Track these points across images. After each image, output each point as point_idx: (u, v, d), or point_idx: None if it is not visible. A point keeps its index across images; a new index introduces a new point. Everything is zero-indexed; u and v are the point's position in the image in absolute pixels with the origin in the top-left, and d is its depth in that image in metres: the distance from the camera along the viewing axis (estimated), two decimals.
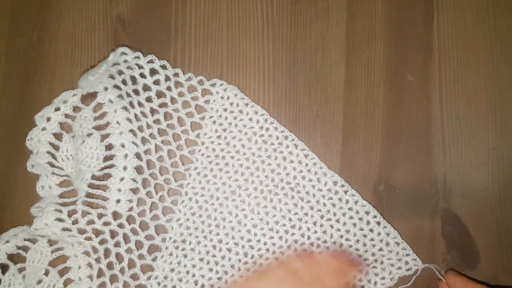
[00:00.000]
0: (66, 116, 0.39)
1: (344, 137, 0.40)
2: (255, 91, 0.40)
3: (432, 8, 0.40)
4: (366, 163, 0.39)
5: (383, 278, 0.37)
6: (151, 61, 0.39)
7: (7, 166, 0.40)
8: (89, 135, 0.38)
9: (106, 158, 0.38)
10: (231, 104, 0.39)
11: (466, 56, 0.40)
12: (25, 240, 0.37)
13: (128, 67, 0.39)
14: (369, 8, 0.41)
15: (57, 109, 0.39)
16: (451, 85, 0.40)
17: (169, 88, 0.39)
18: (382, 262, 0.37)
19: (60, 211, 0.37)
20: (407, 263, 0.37)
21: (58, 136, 0.39)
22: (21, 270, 0.37)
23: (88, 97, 0.39)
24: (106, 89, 0.38)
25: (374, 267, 0.37)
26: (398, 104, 0.40)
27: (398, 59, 0.40)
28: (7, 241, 0.37)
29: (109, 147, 0.38)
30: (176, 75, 0.39)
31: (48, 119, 0.39)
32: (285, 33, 0.40)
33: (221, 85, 0.39)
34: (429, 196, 0.39)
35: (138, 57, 0.39)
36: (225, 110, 0.39)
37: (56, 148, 0.39)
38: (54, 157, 0.39)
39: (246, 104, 0.39)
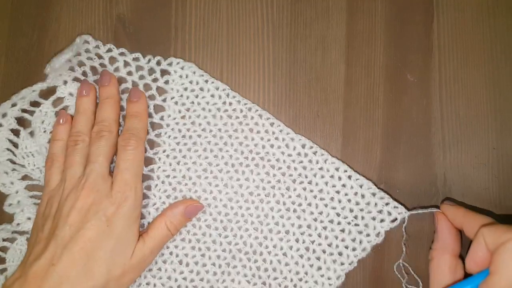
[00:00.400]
0: (24, 111, 0.39)
1: (344, 137, 0.40)
2: (255, 91, 0.40)
3: (432, 8, 0.40)
4: (366, 163, 0.39)
5: (368, 235, 0.36)
6: (109, 50, 0.39)
7: None
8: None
9: None
10: (191, 82, 0.39)
11: (466, 56, 0.40)
12: (3, 240, 0.38)
13: (89, 58, 0.39)
14: (369, 8, 0.41)
15: (14, 105, 0.38)
16: (451, 85, 0.40)
17: (130, 73, 0.39)
18: (363, 218, 0.37)
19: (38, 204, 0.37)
20: (389, 213, 0.36)
21: (16, 132, 0.39)
22: (2, 271, 0.38)
23: (48, 92, 0.39)
24: (65, 82, 0.38)
25: (356, 224, 0.37)
26: (398, 104, 0.40)
27: (398, 59, 0.40)
28: None
29: None
30: (136, 59, 0.40)
31: (4, 115, 0.38)
32: (285, 33, 0.40)
33: (178, 63, 0.39)
34: (429, 196, 0.39)
35: (98, 47, 0.39)
36: (186, 89, 0.39)
37: (15, 145, 0.39)
38: (14, 154, 0.39)
39: (206, 81, 0.39)
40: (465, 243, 0.38)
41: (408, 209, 0.36)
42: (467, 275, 0.33)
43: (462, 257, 0.34)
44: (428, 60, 0.40)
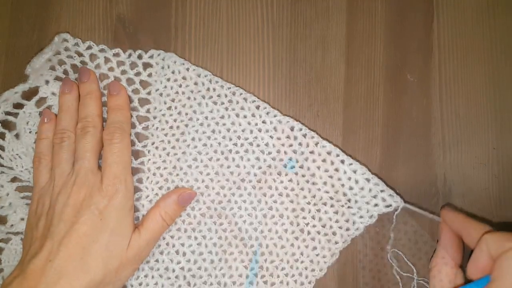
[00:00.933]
0: (7, 113, 0.39)
1: (344, 137, 0.40)
2: (255, 91, 0.40)
3: (432, 8, 0.40)
4: (366, 163, 0.39)
5: (361, 217, 0.36)
6: (89, 47, 0.39)
7: None
8: None
9: None
10: (173, 72, 0.39)
11: (466, 56, 0.40)
12: None
13: (69, 56, 0.39)
14: (369, 8, 0.41)
15: None
16: (451, 85, 0.40)
17: (111, 69, 0.39)
18: (356, 201, 0.36)
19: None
20: (384, 199, 0.36)
21: (1, 136, 0.39)
22: None
23: (31, 93, 0.39)
24: (47, 82, 0.39)
25: (349, 207, 0.37)
26: (398, 104, 0.40)
27: (398, 59, 0.40)
28: None
29: None
30: (116, 55, 0.40)
31: None
32: (285, 33, 0.40)
33: (159, 55, 0.39)
34: (429, 196, 0.39)
35: (77, 44, 0.39)
36: (169, 80, 0.39)
37: (2, 148, 0.39)
38: (1, 156, 0.39)
39: (187, 69, 0.39)
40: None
41: (405, 201, 0.36)
42: (467, 281, 0.33)
43: (461, 266, 0.34)
44: (428, 60, 0.40)
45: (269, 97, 0.40)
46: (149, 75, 0.39)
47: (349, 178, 0.36)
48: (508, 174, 0.39)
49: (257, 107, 0.38)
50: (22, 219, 0.38)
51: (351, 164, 0.37)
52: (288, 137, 0.38)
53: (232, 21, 0.41)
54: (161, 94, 0.39)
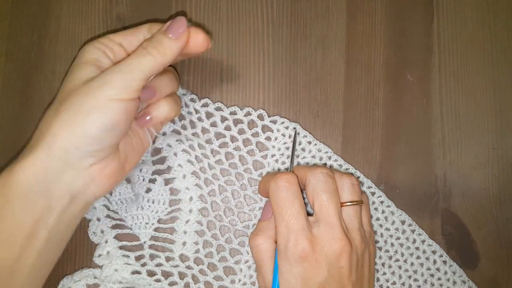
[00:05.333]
0: None
1: (344, 137, 0.40)
2: (255, 91, 0.40)
3: (432, 8, 0.40)
4: (366, 163, 0.39)
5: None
6: (205, 105, 0.39)
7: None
8: (152, 180, 0.38)
9: (172, 202, 0.38)
10: (293, 142, 0.39)
11: (466, 56, 0.40)
12: (87, 286, 0.37)
13: (188, 112, 0.39)
14: (369, 8, 0.41)
15: None
16: (451, 85, 0.40)
17: (228, 128, 0.39)
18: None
19: (128, 256, 0.37)
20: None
21: None
22: None
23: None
24: (164, 133, 0.38)
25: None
26: (398, 104, 0.40)
27: (398, 59, 0.40)
28: (78, 280, 0.37)
29: (173, 190, 0.38)
30: (233, 113, 0.39)
31: None
32: (285, 33, 0.40)
33: (282, 122, 0.39)
34: (429, 196, 0.39)
35: (193, 100, 0.39)
36: (288, 148, 0.39)
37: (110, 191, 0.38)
38: (108, 200, 0.38)
39: (309, 142, 0.39)
40: (460, 243, 0.38)
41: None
42: None
43: None
44: (428, 59, 0.40)
45: (269, 97, 0.40)
46: (268, 138, 0.39)
47: (448, 280, 0.39)
48: (508, 174, 0.39)
49: (372, 194, 0.38)
50: (116, 270, 0.37)
51: (451, 265, 0.39)
52: (397, 229, 0.39)
53: (232, 21, 0.41)
54: (276, 161, 0.39)
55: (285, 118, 0.39)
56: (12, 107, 0.40)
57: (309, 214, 0.32)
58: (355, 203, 0.32)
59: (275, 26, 0.40)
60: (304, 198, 0.33)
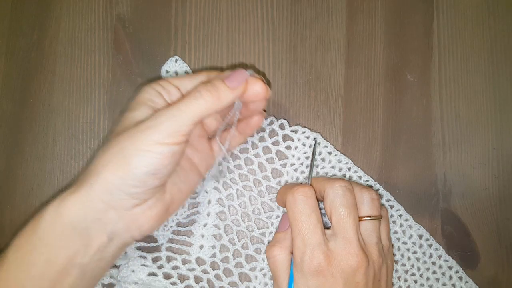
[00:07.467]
0: None
1: (344, 137, 0.40)
2: None
3: (432, 8, 0.40)
4: (366, 163, 0.39)
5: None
6: None
7: (7, 166, 0.40)
8: None
9: (190, 205, 0.38)
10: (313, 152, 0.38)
11: (466, 56, 0.40)
12: (103, 285, 0.37)
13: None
14: (369, 8, 0.41)
15: None
16: (451, 85, 0.40)
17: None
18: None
19: (145, 257, 0.37)
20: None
21: None
22: None
23: None
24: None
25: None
26: (398, 104, 0.40)
27: (398, 59, 0.40)
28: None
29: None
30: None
31: None
32: (285, 33, 0.40)
33: (303, 132, 0.39)
34: (429, 196, 0.39)
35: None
36: (307, 158, 0.39)
37: None
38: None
39: (330, 153, 0.39)
40: (460, 243, 0.38)
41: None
42: None
43: None
44: (428, 60, 0.40)
45: (269, 97, 0.40)
46: (288, 147, 0.39)
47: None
48: (508, 174, 0.39)
49: (391, 207, 0.38)
50: (133, 271, 0.37)
51: (467, 282, 0.38)
52: (414, 243, 0.39)
53: (232, 21, 0.41)
54: (295, 170, 0.39)
55: (306, 127, 0.39)
56: (12, 107, 0.40)
57: (326, 225, 0.32)
58: (374, 218, 0.32)
59: (275, 26, 0.40)
60: (321, 209, 0.33)
